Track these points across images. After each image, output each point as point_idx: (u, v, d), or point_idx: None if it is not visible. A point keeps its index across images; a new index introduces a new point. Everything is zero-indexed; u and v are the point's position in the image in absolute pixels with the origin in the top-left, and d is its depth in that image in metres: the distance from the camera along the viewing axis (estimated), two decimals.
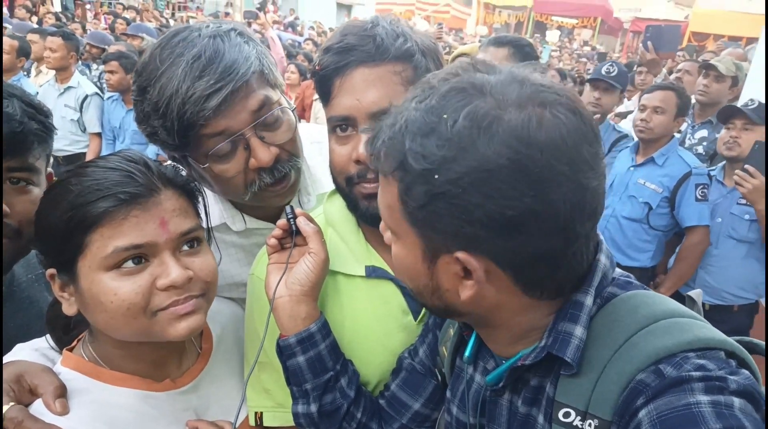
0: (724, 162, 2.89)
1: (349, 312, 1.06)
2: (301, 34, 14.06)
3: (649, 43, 3.27)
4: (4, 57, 4.29)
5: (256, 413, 1.07)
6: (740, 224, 2.69)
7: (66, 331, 0.99)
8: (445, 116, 0.61)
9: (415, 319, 1.07)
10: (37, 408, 0.84)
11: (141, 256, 0.83)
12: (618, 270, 0.77)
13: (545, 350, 0.69)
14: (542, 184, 0.59)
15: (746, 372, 0.62)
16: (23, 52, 4.62)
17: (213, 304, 0.94)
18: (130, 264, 0.83)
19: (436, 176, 0.60)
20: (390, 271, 1.06)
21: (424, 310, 1.07)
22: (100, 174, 0.83)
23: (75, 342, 0.96)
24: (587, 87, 3.57)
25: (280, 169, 1.06)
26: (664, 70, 3.78)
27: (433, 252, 0.67)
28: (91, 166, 0.86)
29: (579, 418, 0.66)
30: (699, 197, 2.74)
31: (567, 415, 0.67)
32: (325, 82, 0.95)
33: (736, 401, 0.56)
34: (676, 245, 2.92)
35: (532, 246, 0.62)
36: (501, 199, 0.59)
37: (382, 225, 0.77)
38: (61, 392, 0.86)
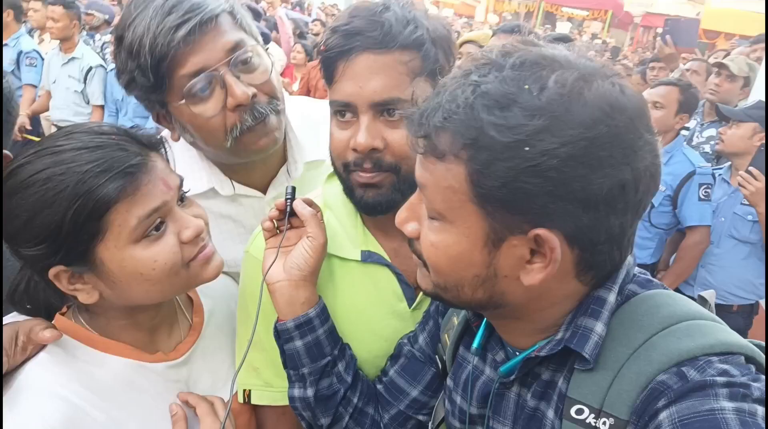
0: (730, 162, 2.88)
1: (342, 296, 1.05)
2: (309, 14, 13.90)
3: (668, 36, 3.20)
4: None
5: (244, 390, 1.07)
6: (743, 225, 2.69)
7: (49, 311, 0.96)
8: (526, 86, 0.58)
9: (410, 306, 1.06)
10: (25, 374, 0.84)
11: (160, 218, 0.86)
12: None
13: (562, 343, 0.67)
14: (635, 153, 0.59)
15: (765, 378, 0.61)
16: (8, 4, 4.55)
17: None
18: (154, 230, 0.85)
19: (527, 148, 0.56)
20: (386, 256, 1.05)
21: (419, 297, 1.06)
22: (85, 155, 0.80)
23: (66, 309, 0.95)
24: None
25: (259, 109, 1.06)
26: (682, 65, 3.73)
27: (499, 235, 0.62)
28: (58, 150, 0.81)
29: (593, 415, 0.65)
30: (702, 197, 2.73)
31: (580, 411, 0.66)
32: (329, 64, 0.93)
33: (760, 409, 0.55)
34: (679, 243, 2.92)
35: (609, 222, 0.61)
36: (602, 169, 0.57)
37: (401, 216, 0.74)
38: (55, 330, 0.87)
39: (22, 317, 0.94)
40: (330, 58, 0.92)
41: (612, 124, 0.57)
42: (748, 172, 2.50)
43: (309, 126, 1.29)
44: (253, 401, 1.06)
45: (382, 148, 0.92)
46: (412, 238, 0.73)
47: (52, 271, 0.83)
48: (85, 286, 0.86)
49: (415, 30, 0.90)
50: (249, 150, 1.10)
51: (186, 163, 1.13)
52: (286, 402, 1.04)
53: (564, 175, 0.57)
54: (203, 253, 0.91)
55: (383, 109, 0.91)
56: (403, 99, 0.89)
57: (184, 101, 1.03)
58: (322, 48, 0.94)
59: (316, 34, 7.43)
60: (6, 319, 0.95)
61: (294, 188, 1.00)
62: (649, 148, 0.60)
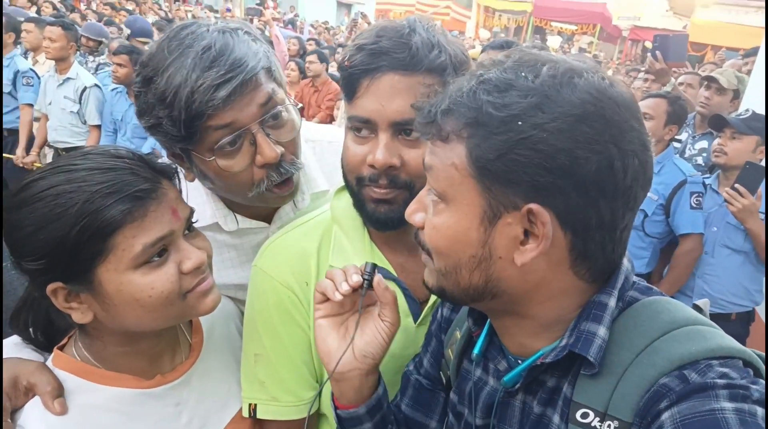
0: (719, 171, 2.92)
1: None
2: (300, 32, 14.05)
3: (657, 52, 3.26)
4: None
5: (249, 405, 1.07)
6: (736, 234, 2.72)
7: (48, 333, 0.97)
8: (523, 74, 0.64)
9: (415, 321, 1.07)
10: (24, 417, 0.85)
11: (163, 246, 0.86)
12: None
13: (567, 349, 0.68)
14: (622, 134, 0.62)
15: (763, 382, 0.63)
16: (10, 27, 4.61)
17: None
18: (155, 257, 0.85)
19: (520, 123, 0.61)
20: (393, 271, 1.06)
21: (424, 312, 1.07)
22: (97, 176, 0.81)
23: (66, 339, 0.95)
24: None
25: (286, 168, 1.07)
26: (673, 80, 3.80)
27: (495, 211, 0.65)
28: (72, 169, 0.82)
29: (597, 419, 0.66)
30: (693, 205, 2.77)
31: (585, 415, 0.67)
32: (352, 81, 0.94)
33: (759, 410, 0.57)
34: (670, 253, 2.95)
35: (598, 204, 0.63)
36: (587, 145, 0.61)
37: (411, 208, 0.77)
38: (59, 392, 0.87)
39: (22, 345, 0.96)
40: (354, 75, 0.93)
41: (599, 106, 0.62)
42: (734, 189, 2.53)
43: (315, 153, 1.30)
44: (259, 415, 1.06)
45: (399, 166, 0.93)
46: (418, 227, 0.76)
47: (50, 287, 0.83)
48: (81, 305, 0.86)
49: (439, 55, 0.91)
50: (270, 202, 1.12)
51: (190, 196, 1.13)
52: (292, 416, 1.05)
53: (552, 148, 0.61)
54: (201, 286, 0.90)
55: (402, 128, 0.93)
56: None
57: (213, 157, 1.01)
58: (346, 64, 0.94)
59: (312, 53, 7.58)
60: (5, 343, 0.96)
61: (375, 265, 0.89)
62: (636, 135, 0.64)
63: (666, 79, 3.61)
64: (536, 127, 0.61)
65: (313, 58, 6.49)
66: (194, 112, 0.95)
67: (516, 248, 0.66)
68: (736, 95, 3.78)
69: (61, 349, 0.93)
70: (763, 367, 0.67)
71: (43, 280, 0.83)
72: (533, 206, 0.63)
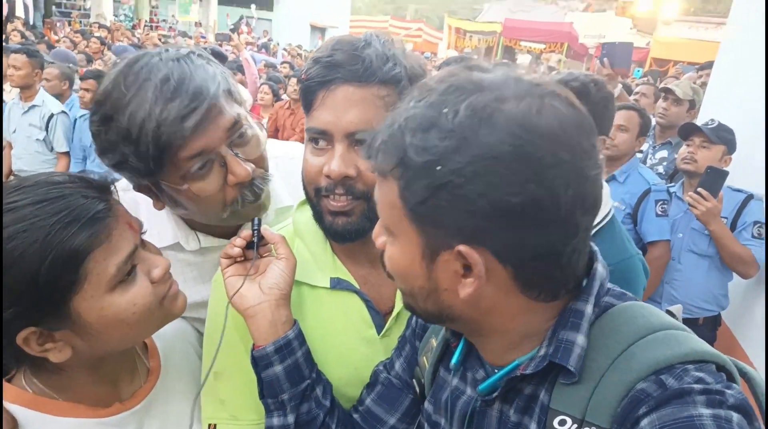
0: (683, 179, 3.00)
1: (311, 323, 1.05)
2: (274, 55, 14.13)
3: (605, 59, 3.42)
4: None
5: (209, 425, 1.04)
6: (700, 239, 2.78)
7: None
8: (445, 110, 0.61)
9: (378, 333, 1.06)
10: None
11: (133, 262, 0.85)
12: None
13: (546, 359, 0.68)
14: (545, 170, 0.59)
15: (737, 386, 0.63)
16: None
17: None
18: (127, 274, 0.84)
19: (438, 168, 0.60)
20: (355, 283, 1.06)
21: (387, 324, 1.07)
22: (47, 208, 0.77)
23: (13, 372, 0.90)
24: None
25: (258, 185, 1.07)
26: (620, 86, 3.95)
27: (433, 249, 0.66)
28: (14, 207, 0.76)
29: (575, 425, 0.66)
30: (659, 213, 2.82)
31: (563, 423, 0.67)
32: (309, 93, 0.95)
33: (735, 416, 0.58)
34: None
35: (533, 239, 0.62)
36: (504, 187, 0.59)
37: (375, 230, 0.77)
38: (14, 425, 0.83)
39: None
40: (310, 87, 0.95)
41: (517, 145, 0.59)
42: (697, 193, 2.60)
43: (278, 169, 1.30)
44: None
45: (355, 176, 0.94)
46: (381, 250, 0.76)
47: (21, 336, 0.77)
48: (56, 344, 0.82)
49: (393, 67, 0.93)
50: (243, 219, 1.12)
51: (151, 216, 1.12)
52: None
53: (471, 192, 0.59)
54: (172, 289, 0.93)
55: (357, 139, 0.93)
56: None
57: (186, 186, 1.00)
58: (303, 77, 0.96)
59: (286, 77, 7.58)
60: None
61: (260, 220, 1.02)
62: (566, 167, 0.60)
63: (613, 83, 3.76)
64: (453, 172, 0.59)
65: (265, 88, 6.50)
66: (163, 146, 0.94)
67: (459, 282, 0.66)
68: (692, 105, 3.92)
69: (9, 380, 0.89)
70: (734, 369, 0.68)
71: (12, 330, 0.77)
72: (462, 248, 0.63)
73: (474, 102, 0.61)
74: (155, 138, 0.93)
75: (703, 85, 4.56)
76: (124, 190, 1.15)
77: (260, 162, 1.09)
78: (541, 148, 0.59)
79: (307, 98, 0.96)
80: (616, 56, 3.42)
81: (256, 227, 1.01)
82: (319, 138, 0.96)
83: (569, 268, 0.67)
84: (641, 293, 1.62)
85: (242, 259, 1.02)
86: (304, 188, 1.03)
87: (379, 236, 0.76)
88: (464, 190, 0.59)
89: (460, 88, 0.63)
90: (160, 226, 1.17)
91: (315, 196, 0.99)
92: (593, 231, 1.39)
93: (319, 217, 1.01)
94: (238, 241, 1.00)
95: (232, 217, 1.08)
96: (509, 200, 0.59)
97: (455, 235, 0.63)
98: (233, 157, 1.02)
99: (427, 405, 0.91)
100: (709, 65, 5.04)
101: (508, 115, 0.60)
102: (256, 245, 1.01)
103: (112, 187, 0.90)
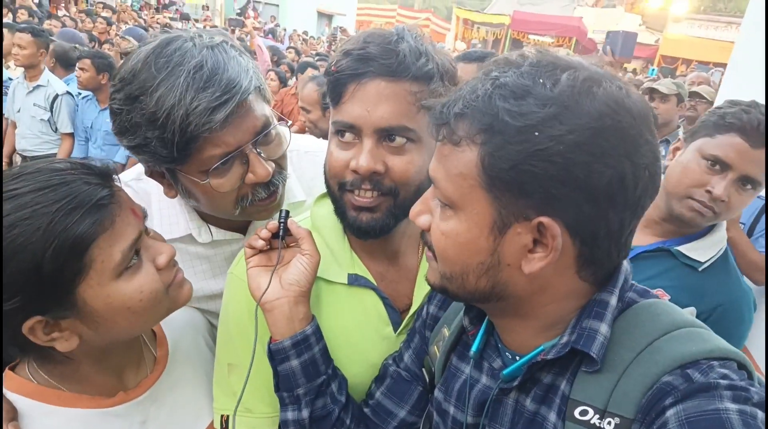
0: None
1: (328, 319, 1.03)
2: (281, 41, 14.05)
3: (608, 47, 3.45)
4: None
5: (222, 416, 1.04)
6: None
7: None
8: (541, 80, 0.62)
9: (395, 330, 1.05)
10: None
11: (137, 248, 0.84)
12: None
13: (569, 345, 0.69)
14: (636, 148, 0.62)
15: (758, 384, 0.64)
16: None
17: None
18: (133, 261, 0.83)
19: (536, 133, 0.60)
20: (372, 280, 1.05)
21: (404, 321, 1.06)
22: (50, 195, 0.75)
23: (17, 360, 0.89)
24: None
25: (274, 182, 1.05)
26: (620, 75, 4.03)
27: (505, 221, 0.65)
28: (15, 194, 0.75)
29: (597, 416, 0.67)
30: None
31: (584, 413, 0.67)
32: (338, 85, 0.93)
33: (759, 413, 0.59)
34: None
35: (610, 214, 0.63)
36: (603, 158, 0.60)
37: (415, 209, 0.76)
38: (13, 415, 0.82)
39: None
40: (340, 80, 0.93)
41: (617, 119, 0.61)
42: None
43: (292, 163, 1.28)
44: (231, 427, 1.02)
45: (383, 172, 0.92)
46: (423, 229, 0.75)
47: (26, 325, 0.76)
48: (63, 333, 0.80)
49: (426, 63, 0.91)
50: (254, 215, 1.10)
51: (164, 208, 1.11)
52: (266, 428, 1.02)
53: (568, 161, 0.60)
54: (178, 277, 0.92)
55: (386, 134, 0.92)
56: (408, 127, 0.91)
57: (207, 180, 0.98)
58: (332, 69, 0.94)
59: (292, 61, 7.84)
60: None
61: (288, 211, 1.00)
62: (649, 148, 0.63)
63: (614, 71, 3.84)
64: (553, 139, 0.60)
65: (272, 74, 6.46)
66: (189, 135, 0.91)
67: (524, 256, 0.66)
68: (680, 99, 3.97)
69: (12, 369, 0.88)
70: (754, 369, 0.68)
71: (17, 320, 0.76)
72: (544, 220, 0.63)
73: (573, 75, 0.62)
74: (182, 126, 0.90)
75: (711, 83, 4.56)
76: (136, 180, 1.13)
77: (281, 160, 1.07)
78: (634, 127, 0.62)
79: (336, 90, 0.94)
80: (618, 45, 3.44)
81: (282, 219, 0.99)
82: (347, 132, 0.93)
83: (624, 248, 0.69)
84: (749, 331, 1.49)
85: (267, 248, 1.00)
86: (327, 182, 1.00)
87: (420, 214, 0.75)
88: (562, 158, 0.60)
89: (552, 63, 0.64)
90: (172, 217, 1.15)
91: (339, 190, 0.97)
92: (706, 265, 1.42)
93: (341, 212, 0.99)
94: (264, 232, 0.98)
95: (241, 213, 1.06)
96: (603, 172, 0.60)
97: (537, 205, 0.63)
98: (256, 156, 1.00)
99: (437, 393, 0.91)
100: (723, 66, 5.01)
101: (605, 91, 0.62)
102: (281, 237, 0.99)
103: (114, 171, 0.89)
